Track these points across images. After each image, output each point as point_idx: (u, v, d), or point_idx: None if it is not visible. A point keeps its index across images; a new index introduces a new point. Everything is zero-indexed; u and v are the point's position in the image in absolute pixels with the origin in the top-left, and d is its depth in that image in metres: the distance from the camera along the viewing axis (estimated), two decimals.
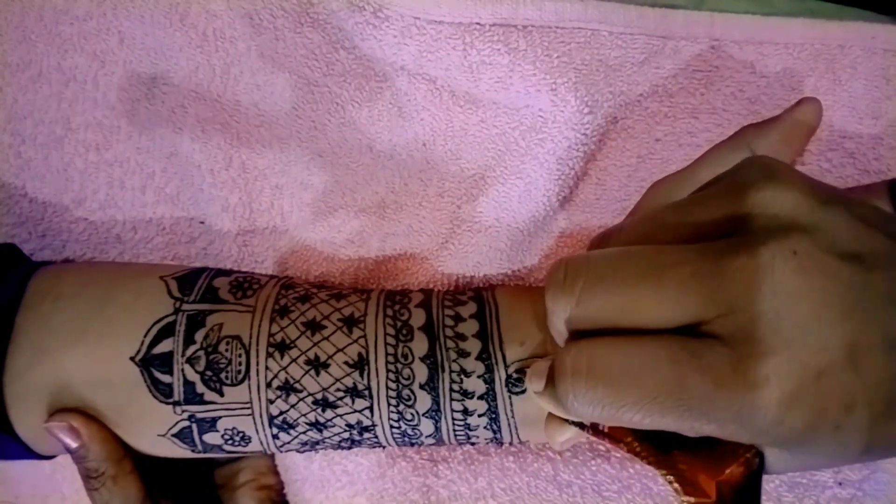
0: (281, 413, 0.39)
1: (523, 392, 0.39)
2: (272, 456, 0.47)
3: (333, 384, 0.39)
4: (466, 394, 0.39)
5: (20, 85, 0.47)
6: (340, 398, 0.39)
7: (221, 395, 0.39)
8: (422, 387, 0.39)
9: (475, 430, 0.40)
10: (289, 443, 0.40)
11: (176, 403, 0.39)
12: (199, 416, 0.39)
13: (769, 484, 0.43)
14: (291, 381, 0.39)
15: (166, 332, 0.40)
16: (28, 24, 0.47)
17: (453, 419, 0.39)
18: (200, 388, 0.39)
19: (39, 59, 0.47)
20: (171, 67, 0.46)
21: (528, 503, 0.45)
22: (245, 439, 0.40)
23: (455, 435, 0.40)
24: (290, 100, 0.46)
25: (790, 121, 0.38)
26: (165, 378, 0.39)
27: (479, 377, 0.39)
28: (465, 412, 0.39)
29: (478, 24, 0.42)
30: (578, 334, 0.29)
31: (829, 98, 0.43)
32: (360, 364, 0.39)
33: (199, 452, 0.41)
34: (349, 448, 0.42)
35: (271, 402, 0.39)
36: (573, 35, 0.42)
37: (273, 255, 0.46)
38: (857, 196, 0.33)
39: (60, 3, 0.47)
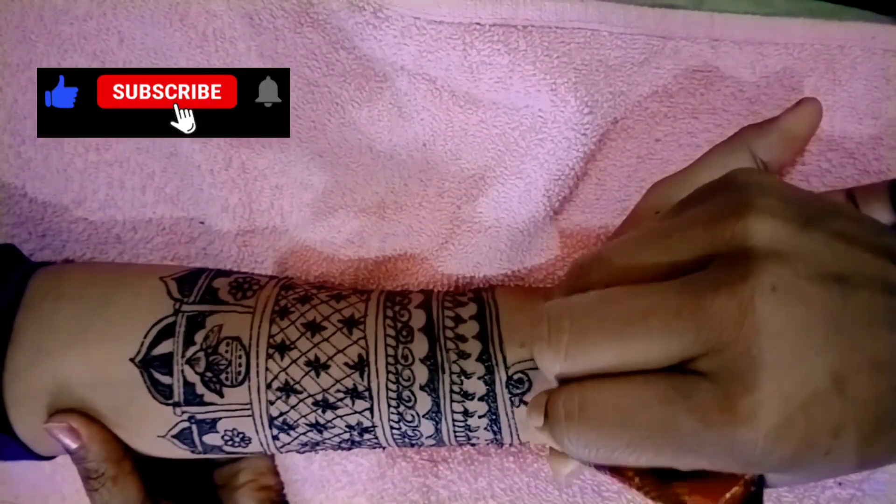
0: (281, 414, 0.39)
1: (523, 393, 0.39)
2: (272, 456, 0.47)
3: (333, 385, 0.39)
4: (467, 395, 0.39)
5: (20, 85, 0.47)
6: (340, 399, 0.39)
7: (221, 396, 0.39)
8: (422, 388, 0.39)
9: (475, 431, 0.40)
10: (289, 444, 0.40)
11: (176, 404, 0.39)
12: (199, 417, 0.39)
13: None
14: (291, 383, 0.39)
15: (166, 333, 0.40)
16: (28, 24, 0.47)
17: (454, 420, 0.39)
18: (200, 389, 0.39)
19: (39, 59, 0.47)
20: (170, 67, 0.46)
21: (528, 503, 0.45)
22: (245, 440, 0.40)
23: (455, 436, 0.40)
24: (290, 100, 0.46)
25: (790, 121, 0.38)
26: (165, 379, 0.39)
27: (479, 378, 0.39)
28: (466, 413, 0.39)
29: (478, 24, 0.42)
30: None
31: (829, 98, 0.43)
32: (361, 365, 0.39)
33: (199, 453, 0.41)
34: (349, 449, 0.42)
35: (271, 403, 0.39)
36: (573, 35, 0.42)
37: (273, 256, 0.46)
38: (840, 205, 0.33)
39: (60, 3, 0.47)
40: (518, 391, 0.39)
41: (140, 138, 0.47)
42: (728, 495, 0.28)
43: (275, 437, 0.40)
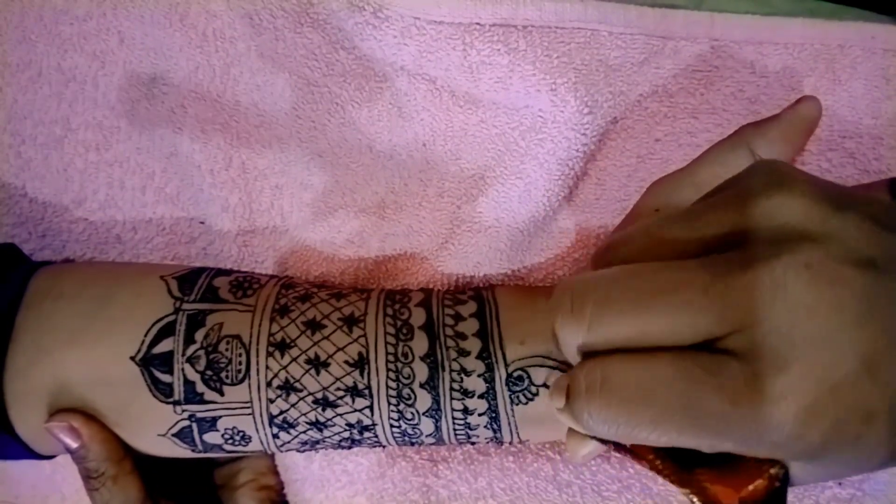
0: (281, 412, 0.39)
1: (523, 391, 0.39)
2: (272, 456, 0.47)
3: (334, 383, 0.39)
4: (467, 393, 0.39)
5: (20, 85, 0.47)
6: (341, 397, 0.39)
7: (221, 394, 0.39)
8: (422, 386, 0.39)
9: (475, 429, 0.40)
10: (289, 442, 0.40)
11: (176, 403, 0.39)
12: (200, 415, 0.39)
13: None
14: (291, 381, 0.39)
15: (166, 331, 0.40)
16: (28, 24, 0.47)
17: (453, 418, 0.39)
18: (200, 387, 0.39)
19: (39, 59, 0.47)
20: (170, 67, 0.46)
21: (527, 503, 0.45)
22: (245, 439, 0.40)
23: (455, 434, 0.40)
24: (290, 100, 0.46)
25: (789, 119, 0.38)
26: (165, 377, 0.39)
27: (479, 376, 0.39)
28: (466, 411, 0.39)
29: (478, 24, 0.42)
30: (591, 351, 0.28)
31: (829, 98, 0.43)
32: (361, 363, 0.39)
33: (200, 452, 0.41)
34: (349, 447, 0.42)
35: (271, 401, 0.39)
36: (573, 35, 0.42)
37: (273, 255, 0.46)
38: (868, 194, 0.32)
39: (60, 3, 0.47)
40: (518, 389, 0.39)
41: (140, 138, 0.47)
42: (751, 487, 0.27)
43: (275, 436, 0.40)
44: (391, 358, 0.39)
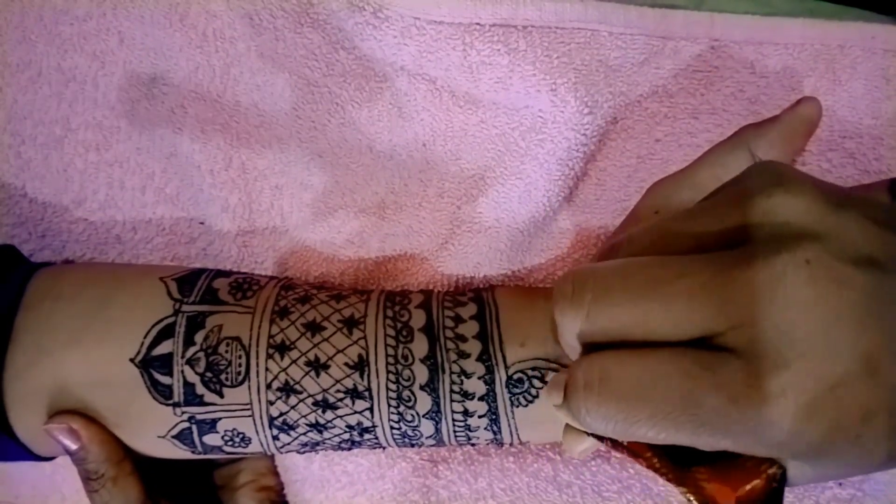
0: (281, 414, 0.39)
1: (523, 393, 0.39)
2: (272, 457, 0.47)
3: (333, 385, 0.39)
4: (467, 395, 0.39)
5: (20, 85, 0.47)
6: (340, 399, 0.39)
7: (221, 396, 0.39)
8: (422, 388, 0.39)
9: (475, 431, 0.40)
10: (289, 444, 0.40)
11: (176, 405, 0.39)
12: (199, 417, 0.39)
13: None
14: (291, 383, 0.39)
15: (166, 333, 0.40)
16: (28, 25, 0.47)
17: (454, 420, 0.39)
18: (200, 389, 0.39)
19: (39, 59, 0.47)
20: (170, 67, 0.46)
21: (527, 503, 0.45)
22: (245, 440, 0.40)
23: (455, 436, 0.40)
24: (290, 100, 0.46)
25: (789, 120, 0.38)
26: (165, 379, 0.39)
27: (479, 378, 0.39)
28: (466, 413, 0.39)
29: (478, 24, 0.42)
30: (590, 347, 0.28)
31: (829, 98, 0.43)
32: (361, 365, 0.39)
33: (199, 454, 0.41)
34: (349, 449, 0.42)
35: (271, 403, 0.39)
36: (573, 35, 0.42)
37: (273, 256, 0.46)
38: (868, 195, 0.32)
39: (60, 4, 0.47)
40: (518, 391, 0.39)
41: (140, 139, 0.47)
42: (748, 487, 0.27)
43: (275, 438, 0.40)
44: (391, 360, 0.39)
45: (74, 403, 0.40)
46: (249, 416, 0.39)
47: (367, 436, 0.40)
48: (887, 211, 0.28)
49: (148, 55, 0.47)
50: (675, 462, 0.28)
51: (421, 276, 0.45)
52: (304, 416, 0.39)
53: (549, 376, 0.39)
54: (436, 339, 0.39)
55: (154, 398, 0.39)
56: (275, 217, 0.46)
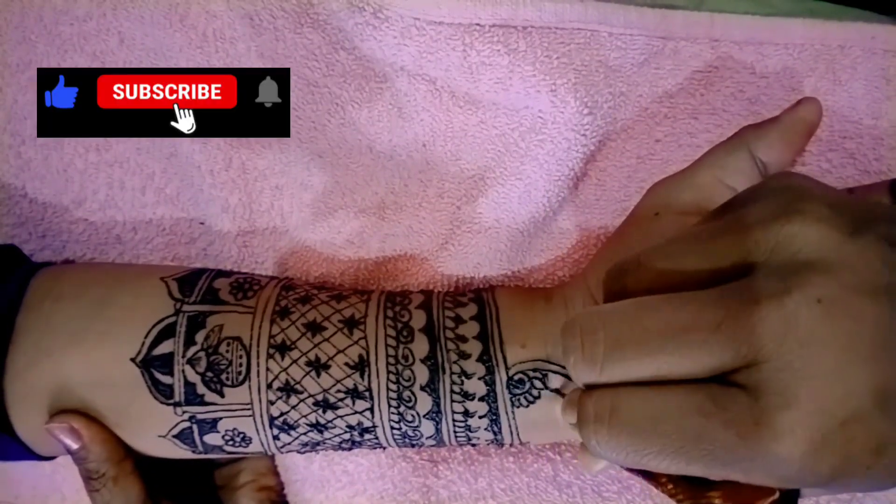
0: (282, 414, 0.39)
1: (524, 394, 0.39)
2: (272, 457, 0.47)
3: (334, 385, 0.39)
4: (467, 395, 0.39)
5: (20, 85, 0.47)
6: (341, 399, 0.39)
7: (222, 396, 0.39)
8: (422, 388, 0.39)
9: (476, 431, 0.40)
10: (289, 444, 0.40)
11: (176, 404, 0.39)
12: (200, 417, 0.39)
13: None
14: (292, 383, 0.39)
15: (167, 333, 0.40)
16: (28, 25, 0.47)
17: (454, 421, 0.39)
18: (201, 389, 0.39)
19: (39, 59, 0.47)
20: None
21: (527, 503, 0.45)
22: (246, 440, 0.40)
23: (456, 436, 0.40)
24: (290, 100, 0.46)
25: (789, 121, 0.38)
26: (166, 379, 0.39)
27: (479, 379, 0.39)
28: (466, 414, 0.39)
29: (477, 24, 0.42)
30: None
31: (829, 98, 0.43)
32: (361, 365, 0.39)
33: (200, 453, 0.41)
34: (350, 449, 0.42)
35: (272, 403, 0.39)
36: (573, 36, 0.42)
37: (273, 256, 0.46)
38: (887, 209, 0.32)
39: (60, 4, 0.47)
40: (519, 392, 0.39)
41: (140, 139, 0.47)
42: None
43: (275, 437, 0.40)
44: (391, 360, 0.39)
45: (75, 403, 0.40)
46: (250, 415, 0.39)
47: (367, 436, 0.40)
48: None
49: (148, 55, 0.47)
50: (689, 483, 0.29)
51: (421, 276, 0.45)
52: (305, 416, 0.39)
53: (550, 377, 0.39)
54: (436, 340, 0.39)
55: (155, 398, 0.39)
56: (275, 217, 0.46)
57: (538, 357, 0.39)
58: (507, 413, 0.39)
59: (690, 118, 0.44)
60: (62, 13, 0.47)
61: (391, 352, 0.39)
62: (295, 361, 0.39)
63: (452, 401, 0.39)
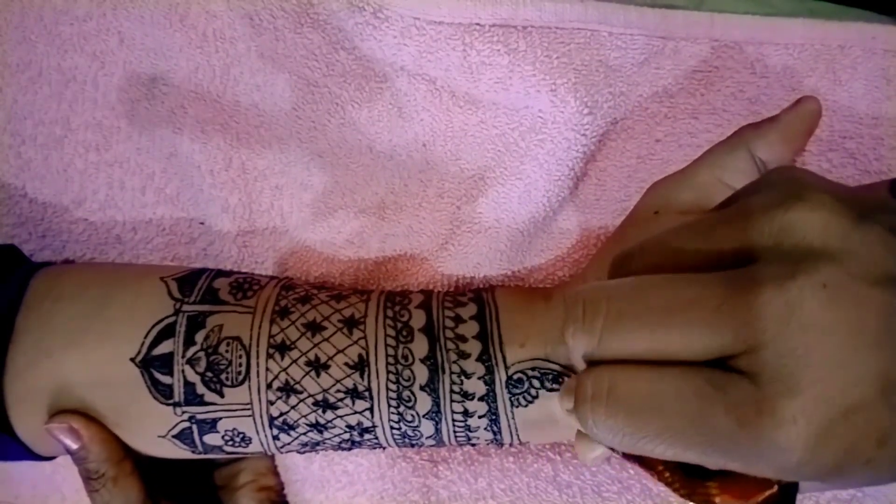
0: (281, 414, 0.39)
1: (523, 393, 0.39)
2: (272, 457, 0.47)
3: (334, 385, 0.39)
4: (467, 395, 0.39)
5: (20, 85, 0.47)
6: (341, 399, 0.39)
7: (222, 396, 0.39)
8: (422, 388, 0.39)
9: (475, 431, 0.40)
10: (289, 444, 0.40)
11: (176, 404, 0.39)
12: (200, 417, 0.39)
13: None
14: (292, 383, 0.39)
15: (166, 333, 0.40)
16: (28, 25, 0.47)
17: (454, 420, 0.39)
18: (201, 389, 0.39)
19: (39, 59, 0.47)
20: (170, 68, 0.46)
21: (527, 503, 0.45)
22: (245, 440, 0.40)
23: (455, 436, 0.40)
24: (290, 100, 0.46)
25: (789, 120, 0.38)
26: (166, 379, 0.39)
27: (479, 379, 0.39)
28: (466, 413, 0.39)
29: (477, 24, 0.42)
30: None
31: (830, 98, 0.43)
32: (361, 365, 0.39)
33: (200, 453, 0.41)
34: (349, 449, 0.42)
35: (272, 403, 0.39)
36: (573, 36, 0.42)
37: (273, 256, 0.46)
38: (890, 201, 0.32)
39: (60, 4, 0.47)
40: (518, 391, 0.39)
41: (140, 138, 0.47)
42: (761, 498, 0.26)
43: (275, 437, 0.40)
44: (391, 360, 0.39)
45: (75, 403, 0.40)
46: (250, 415, 0.39)
47: (367, 436, 0.40)
48: None
49: (148, 55, 0.47)
50: (686, 474, 0.28)
51: (421, 276, 0.45)
52: (305, 416, 0.39)
53: (550, 377, 0.39)
54: (436, 340, 0.39)
55: (154, 398, 0.39)
56: (275, 217, 0.46)
57: (537, 356, 0.39)
58: (506, 413, 0.39)
59: (690, 118, 0.44)
60: (62, 13, 0.47)
61: (391, 352, 0.39)
62: (295, 361, 0.39)
63: (452, 400, 0.39)
